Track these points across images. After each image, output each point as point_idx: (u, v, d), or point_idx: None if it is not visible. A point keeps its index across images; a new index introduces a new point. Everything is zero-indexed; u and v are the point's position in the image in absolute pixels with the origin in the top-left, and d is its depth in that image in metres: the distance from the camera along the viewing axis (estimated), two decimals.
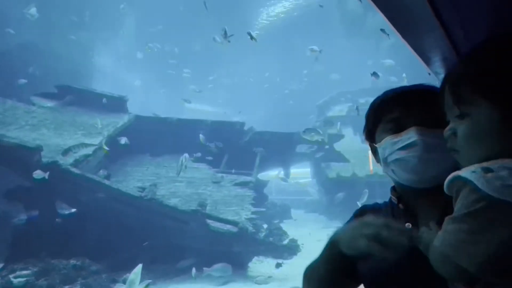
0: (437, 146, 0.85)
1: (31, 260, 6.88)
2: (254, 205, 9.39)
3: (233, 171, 10.77)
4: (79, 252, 7.28)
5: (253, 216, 8.94)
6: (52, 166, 7.79)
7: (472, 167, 0.66)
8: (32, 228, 7.60)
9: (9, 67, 11.96)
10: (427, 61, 1.13)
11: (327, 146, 13.99)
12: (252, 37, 6.92)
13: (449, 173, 0.70)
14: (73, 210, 7.98)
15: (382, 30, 6.79)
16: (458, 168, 0.71)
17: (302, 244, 9.69)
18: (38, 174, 7.21)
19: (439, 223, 0.70)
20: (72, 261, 7.10)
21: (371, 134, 1.01)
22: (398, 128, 0.92)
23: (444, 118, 0.77)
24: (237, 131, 12.14)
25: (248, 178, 10.52)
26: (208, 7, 11.37)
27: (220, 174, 10.46)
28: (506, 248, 0.59)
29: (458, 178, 0.67)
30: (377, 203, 1.08)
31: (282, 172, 14.79)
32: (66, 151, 8.45)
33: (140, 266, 5.77)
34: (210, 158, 10.71)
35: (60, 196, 8.17)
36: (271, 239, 9.16)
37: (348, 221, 1.00)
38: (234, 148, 11.62)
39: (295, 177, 18.04)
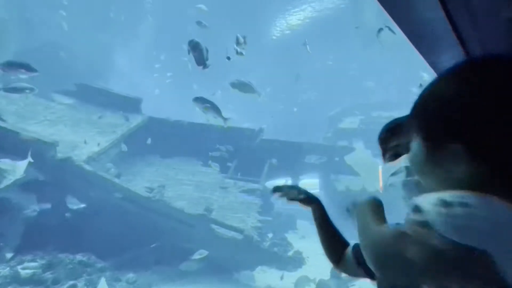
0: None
1: (39, 252, 7.01)
2: (260, 213, 9.32)
3: (238, 174, 10.76)
4: (85, 248, 7.38)
5: (259, 224, 8.87)
6: (65, 162, 8.00)
7: (433, 197, 0.61)
8: (42, 221, 7.76)
9: (33, 64, 12.38)
10: None
11: (337, 158, 13.83)
12: (238, 51, 6.44)
13: None
14: (83, 205, 8.11)
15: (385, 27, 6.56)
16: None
17: (307, 257, 9.53)
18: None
19: None
20: (79, 257, 7.19)
21: None
22: None
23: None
24: (247, 137, 12.17)
25: (255, 186, 10.49)
26: (222, 17, 11.36)
27: (232, 181, 10.46)
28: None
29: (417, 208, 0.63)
30: None
31: (290, 182, 14.67)
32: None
33: (103, 280, 5.68)
34: (230, 164, 10.71)
35: (71, 191, 8.34)
36: (275, 249, 9.04)
37: None
38: (243, 154, 11.64)
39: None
